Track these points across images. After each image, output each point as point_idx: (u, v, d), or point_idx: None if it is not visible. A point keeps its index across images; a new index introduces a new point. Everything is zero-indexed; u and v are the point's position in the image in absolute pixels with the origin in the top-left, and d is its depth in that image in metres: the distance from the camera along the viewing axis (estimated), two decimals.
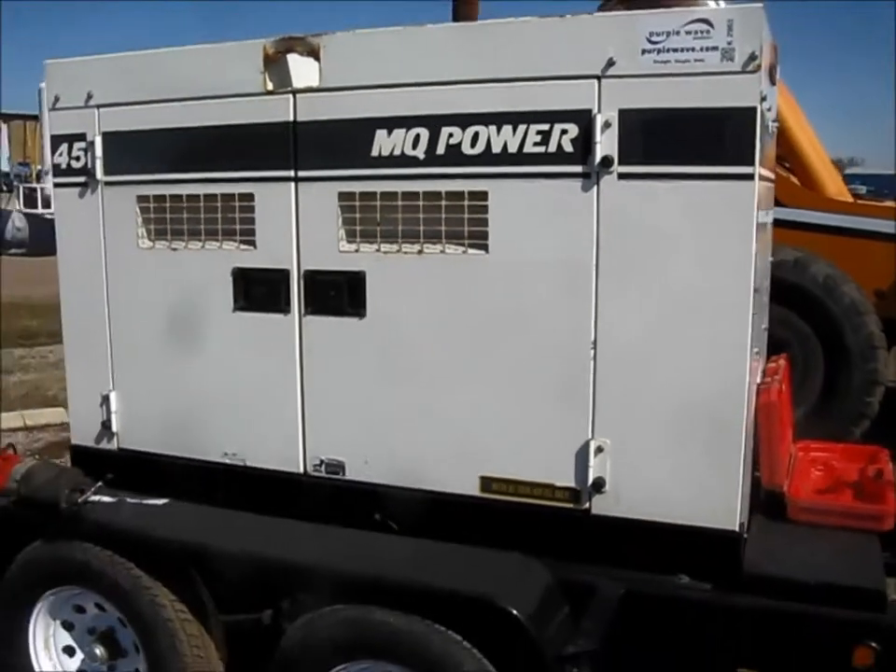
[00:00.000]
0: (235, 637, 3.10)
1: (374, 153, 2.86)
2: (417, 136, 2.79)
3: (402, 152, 2.82)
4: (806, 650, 2.69)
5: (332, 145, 2.92)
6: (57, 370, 10.16)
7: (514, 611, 2.44)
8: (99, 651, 3.12)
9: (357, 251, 2.93)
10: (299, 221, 2.99)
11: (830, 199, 7.15)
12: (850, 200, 7.44)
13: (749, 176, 2.49)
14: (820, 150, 7.56)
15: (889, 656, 2.58)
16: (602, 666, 2.60)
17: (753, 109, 2.46)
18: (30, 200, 35.21)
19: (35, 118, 49.92)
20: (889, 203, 7.37)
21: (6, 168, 46.18)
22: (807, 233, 7.04)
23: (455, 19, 9.19)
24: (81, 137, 3.31)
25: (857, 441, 5.59)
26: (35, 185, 36.08)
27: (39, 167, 46.20)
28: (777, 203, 7.26)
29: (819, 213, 7.10)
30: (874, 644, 2.57)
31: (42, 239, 3.83)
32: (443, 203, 2.81)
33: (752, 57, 2.43)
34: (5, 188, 39.02)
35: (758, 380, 3.18)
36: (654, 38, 2.52)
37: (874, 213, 7.09)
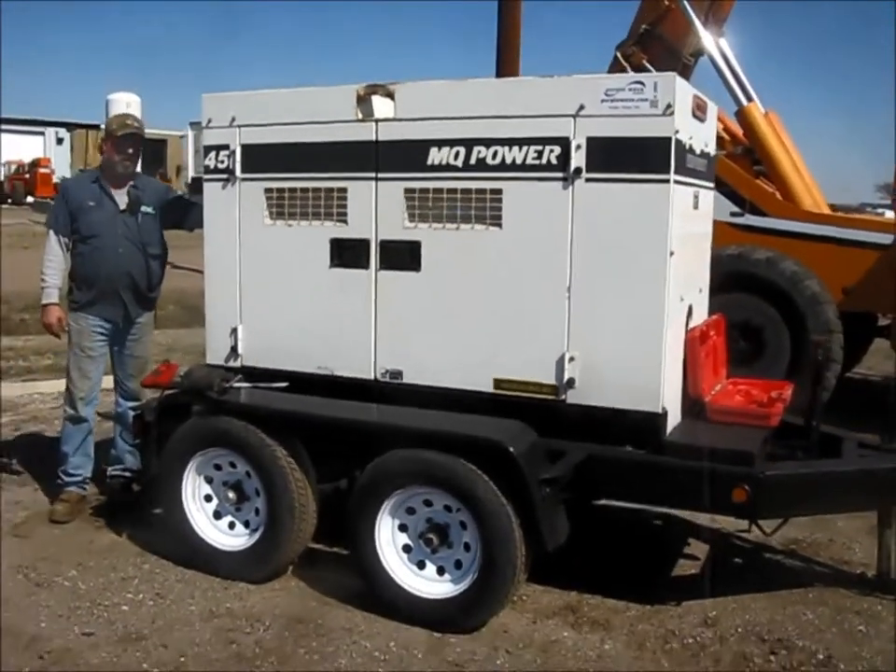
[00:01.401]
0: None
1: (429, 162, 4.30)
2: (458, 152, 4.23)
3: (447, 162, 4.27)
4: (703, 491, 4.08)
5: (401, 156, 4.37)
6: None
7: (512, 450, 3.86)
8: (231, 494, 4.59)
9: (415, 227, 4.38)
10: (377, 207, 4.45)
11: (805, 210, 8.51)
12: (826, 212, 8.79)
13: (666, 180, 3.89)
14: (802, 169, 8.92)
15: (755, 495, 3.97)
16: (569, 502, 4.04)
17: (669, 138, 3.87)
18: None
19: (97, 127, 51.83)
20: (855, 216, 8.70)
21: (68, 174, 48.22)
22: (787, 239, 8.40)
23: (500, 20, 10.50)
24: (226, 147, 4.78)
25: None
26: None
27: None
28: (762, 214, 8.72)
29: (796, 222, 8.47)
30: (746, 486, 3.97)
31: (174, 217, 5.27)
32: (474, 196, 4.26)
33: (668, 105, 3.84)
34: None
35: (692, 324, 4.59)
36: (609, 92, 3.93)
37: (841, 223, 8.43)
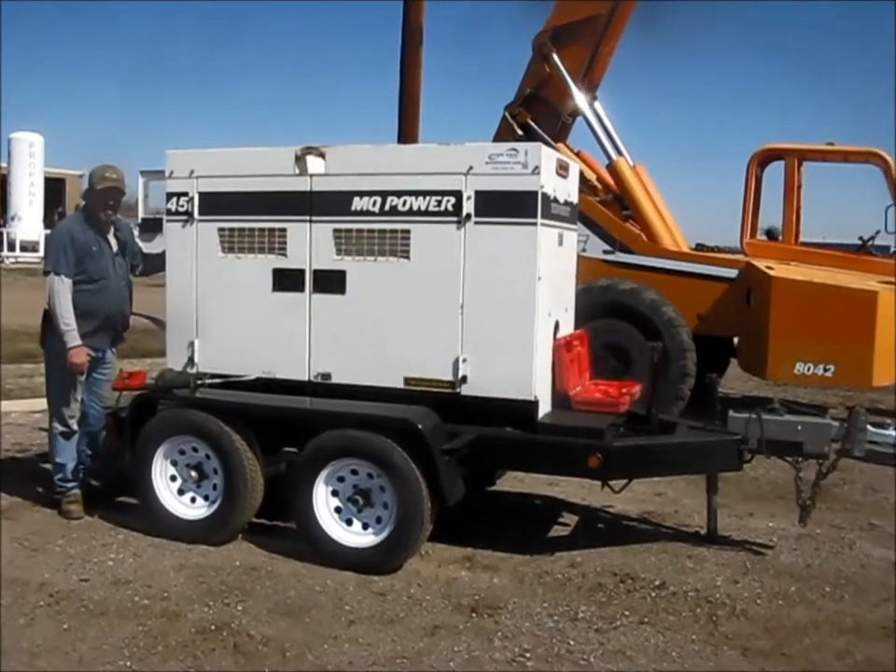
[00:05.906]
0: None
1: (353, 209, 5.50)
2: (375, 200, 5.44)
3: (367, 209, 5.47)
4: (567, 459, 5.33)
5: (330, 203, 5.56)
6: None
7: (420, 427, 5.06)
8: (193, 474, 5.64)
9: (342, 259, 5.56)
10: (311, 243, 5.61)
11: (665, 249, 9.96)
12: (684, 250, 10.26)
13: (534, 223, 5.17)
14: (665, 214, 10.40)
15: (605, 460, 5.23)
16: (463, 471, 5.25)
17: (536, 192, 5.15)
18: None
19: None
20: (706, 253, 10.20)
21: None
22: (650, 273, 9.84)
23: (403, 31, 11.65)
24: (185, 194, 5.89)
25: (675, 415, 8.28)
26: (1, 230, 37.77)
27: None
28: (630, 252, 10.15)
29: (658, 258, 9.92)
30: (598, 454, 5.22)
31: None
32: (388, 235, 5.46)
33: (536, 167, 5.13)
34: None
35: (560, 335, 5.86)
36: (492, 156, 5.20)
37: (695, 259, 9.91)
